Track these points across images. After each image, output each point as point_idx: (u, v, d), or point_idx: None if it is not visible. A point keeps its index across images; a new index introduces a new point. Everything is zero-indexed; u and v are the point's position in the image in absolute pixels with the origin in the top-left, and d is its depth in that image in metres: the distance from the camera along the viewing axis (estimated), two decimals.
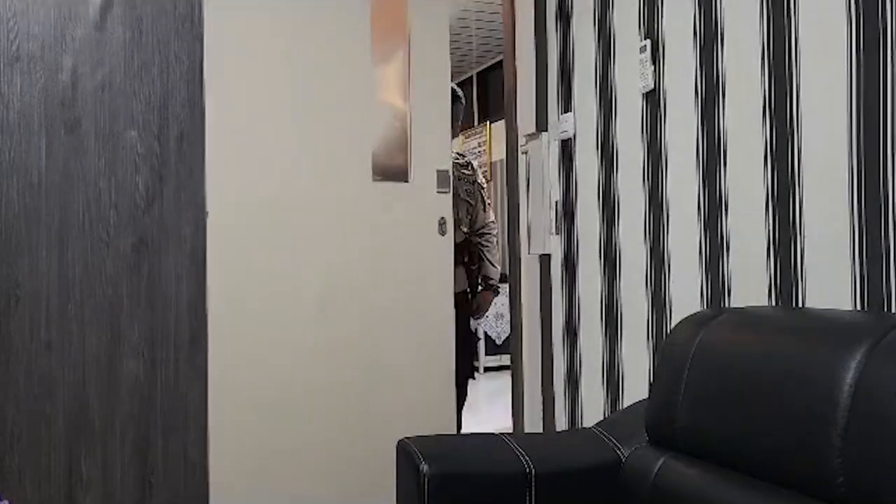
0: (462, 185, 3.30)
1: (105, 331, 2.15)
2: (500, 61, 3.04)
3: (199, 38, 2.20)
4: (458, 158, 3.35)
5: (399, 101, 2.56)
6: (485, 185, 3.47)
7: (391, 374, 2.47)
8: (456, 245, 3.19)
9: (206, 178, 2.24)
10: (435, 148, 2.57)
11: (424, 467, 1.58)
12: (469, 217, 3.31)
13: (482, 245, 3.34)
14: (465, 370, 3.24)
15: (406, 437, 1.74)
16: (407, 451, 1.67)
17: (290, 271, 2.37)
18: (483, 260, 3.34)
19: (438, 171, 2.58)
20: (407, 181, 2.53)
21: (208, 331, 2.26)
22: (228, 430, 2.27)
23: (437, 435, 2.15)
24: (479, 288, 3.33)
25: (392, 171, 2.54)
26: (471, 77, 7.68)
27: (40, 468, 2.09)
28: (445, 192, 2.60)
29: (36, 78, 2.10)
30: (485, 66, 7.40)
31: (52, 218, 2.11)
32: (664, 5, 2.08)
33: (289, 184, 2.37)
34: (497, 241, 3.43)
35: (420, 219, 2.54)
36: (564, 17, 2.59)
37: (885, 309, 1.47)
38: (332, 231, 2.42)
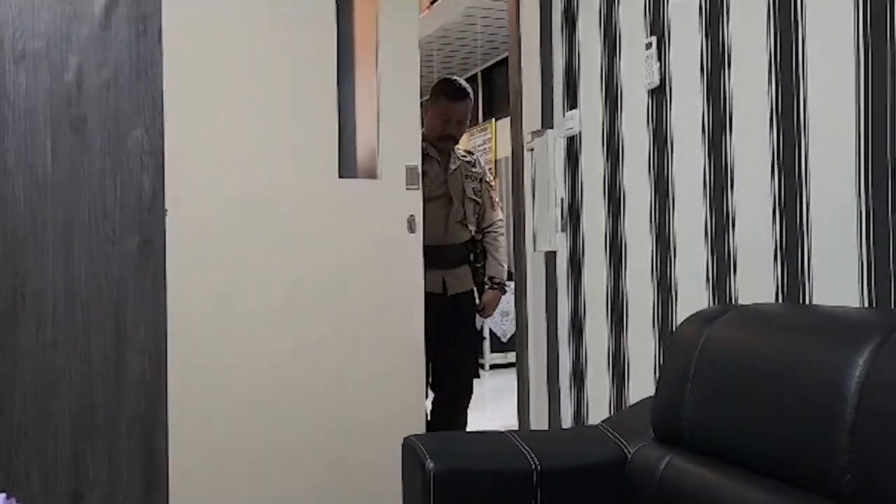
0: (469, 183, 3.22)
1: (111, 329, 2.16)
2: (506, 58, 3.00)
3: (157, 37, 2.16)
4: (465, 156, 3.28)
5: (367, 97, 2.51)
6: (493, 184, 3.38)
7: (358, 373, 2.42)
8: (462, 244, 3.14)
9: (166, 175, 2.19)
10: (404, 144, 2.52)
11: (430, 465, 1.58)
12: (476, 216, 3.23)
13: (488, 243, 3.26)
14: (470, 370, 3.21)
15: (412, 435, 1.74)
16: (412, 449, 1.66)
17: (256, 270, 2.31)
18: (489, 258, 3.26)
19: (408, 167, 2.52)
20: (376, 178, 2.48)
21: (167, 330, 2.19)
22: (192, 431, 2.22)
23: (443, 432, 2.15)
24: (486, 287, 3.25)
25: (360, 167, 2.49)
26: (476, 74, 7.67)
27: (47, 466, 2.09)
28: (415, 189, 2.54)
29: (41, 76, 2.10)
30: (490, 63, 7.39)
31: (57, 216, 2.12)
32: (670, 1, 2.07)
33: (255, 181, 2.31)
34: (505, 240, 3.34)
35: (389, 216, 2.49)
36: (570, 13, 2.58)
37: (893, 306, 1.46)
38: (299, 229, 2.37)
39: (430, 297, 2.85)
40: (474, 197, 3.20)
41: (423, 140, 3.06)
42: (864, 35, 1.51)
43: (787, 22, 1.69)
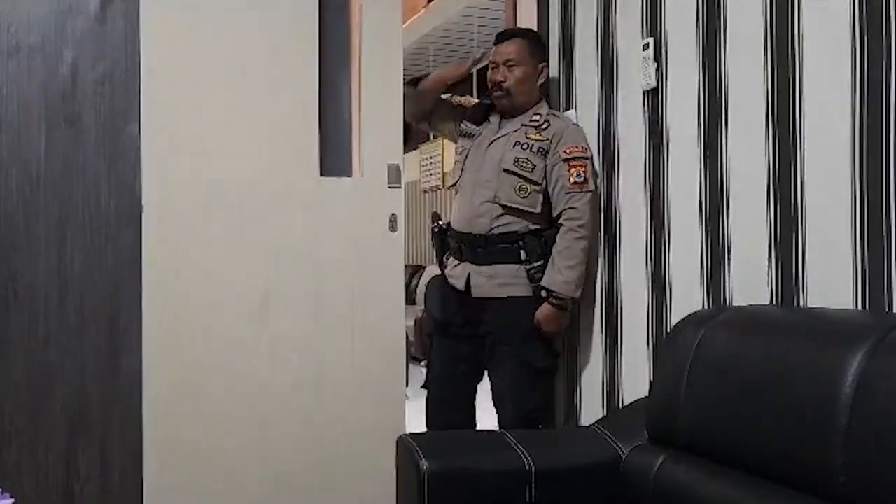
0: (514, 151, 2.35)
1: (104, 326, 2.14)
2: None
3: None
4: (537, 119, 2.41)
5: (348, 94, 2.48)
6: (572, 154, 2.33)
7: (337, 373, 2.39)
8: (503, 234, 2.34)
9: (143, 172, 2.16)
10: (386, 143, 2.49)
11: (424, 464, 1.58)
12: (525, 196, 2.32)
13: (556, 240, 2.32)
14: (520, 411, 2.32)
15: (406, 434, 1.74)
16: (407, 448, 1.66)
17: (234, 268, 2.27)
18: (549, 262, 2.32)
19: (389, 165, 2.49)
20: (357, 176, 2.45)
21: (143, 331, 2.16)
22: (166, 431, 2.19)
23: (437, 431, 2.15)
24: (543, 294, 2.32)
25: (342, 166, 2.46)
26: (473, 73, 7.68)
27: (38, 463, 2.08)
28: (397, 188, 2.50)
29: (36, 70, 2.09)
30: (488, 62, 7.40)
31: (51, 211, 2.10)
32: (667, 3, 2.07)
33: (234, 178, 2.25)
34: (581, 239, 2.30)
35: (370, 215, 2.46)
36: (567, 14, 2.58)
37: (887, 309, 1.47)
38: (279, 227, 2.33)
39: (455, 293, 2.42)
40: (515, 169, 2.33)
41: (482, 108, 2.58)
42: (860, 29, 1.52)
43: (784, 28, 1.69)
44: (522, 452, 1.66)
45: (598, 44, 2.40)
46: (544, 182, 2.35)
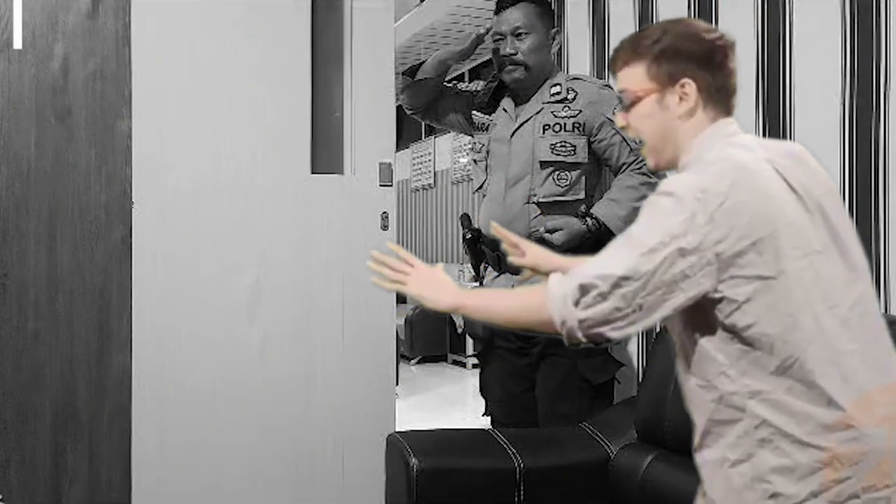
0: (546, 138, 2.06)
1: (94, 322, 2.13)
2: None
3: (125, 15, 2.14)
4: (558, 92, 2.10)
5: (339, 91, 2.47)
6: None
7: (326, 372, 2.38)
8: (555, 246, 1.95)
9: (133, 168, 2.15)
10: (378, 141, 2.48)
11: (414, 462, 1.59)
12: (568, 186, 2.05)
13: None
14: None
15: (396, 432, 1.75)
16: (397, 446, 1.67)
17: (224, 265, 2.26)
18: (606, 194, 2.05)
19: (381, 163, 2.49)
20: (348, 174, 2.45)
21: (132, 326, 2.15)
22: (154, 428, 2.17)
23: (427, 430, 2.15)
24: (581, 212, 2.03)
25: (333, 164, 2.46)
26: (463, 74, 7.69)
27: (26, 459, 2.07)
28: (388, 186, 2.49)
29: (26, 66, 2.08)
30: (478, 63, 7.41)
31: (41, 207, 2.09)
32: (659, 2, 2.08)
33: (224, 175, 2.24)
34: (645, 186, 1.98)
35: (362, 213, 2.46)
36: (558, 12, 2.59)
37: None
38: (270, 224, 2.32)
39: None
40: (555, 157, 2.05)
41: (489, 93, 2.28)
42: (850, 29, 1.53)
43: (776, 28, 1.70)
44: (512, 451, 1.67)
45: (589, 42, 2.41)
46: (589, 161, 2.06)
